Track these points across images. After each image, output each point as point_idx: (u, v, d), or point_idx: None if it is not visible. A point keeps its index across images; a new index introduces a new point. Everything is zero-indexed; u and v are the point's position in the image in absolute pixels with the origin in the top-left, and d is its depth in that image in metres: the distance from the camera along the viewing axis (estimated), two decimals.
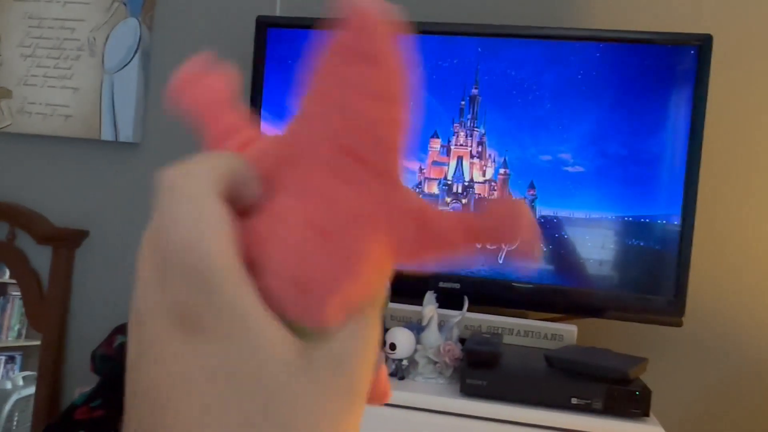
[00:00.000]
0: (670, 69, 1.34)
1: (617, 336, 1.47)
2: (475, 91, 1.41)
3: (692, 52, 1.33)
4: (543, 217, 1.38)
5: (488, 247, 0.25)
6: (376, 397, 0.29)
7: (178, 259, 0.23)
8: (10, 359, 1.90)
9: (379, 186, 0.24)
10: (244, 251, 0.24)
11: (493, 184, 1.41)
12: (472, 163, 1.42)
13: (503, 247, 0.25)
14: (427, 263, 0.26)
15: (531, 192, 1.38)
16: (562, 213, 1.37)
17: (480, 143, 1.42)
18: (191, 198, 0.24)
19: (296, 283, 0.23)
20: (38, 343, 1.78)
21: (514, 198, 0.26)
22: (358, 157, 0.24)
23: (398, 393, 1.14)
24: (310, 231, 0.23)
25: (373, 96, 0.24)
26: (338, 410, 0.25)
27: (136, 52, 1.74)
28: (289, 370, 0.24)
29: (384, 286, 0.27)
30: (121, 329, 1.57)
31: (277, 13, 1.66)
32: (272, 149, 0.26)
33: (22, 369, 1.90)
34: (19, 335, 1.90)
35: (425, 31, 1.43)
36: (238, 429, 0.23)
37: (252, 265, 0.24)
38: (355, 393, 0.25)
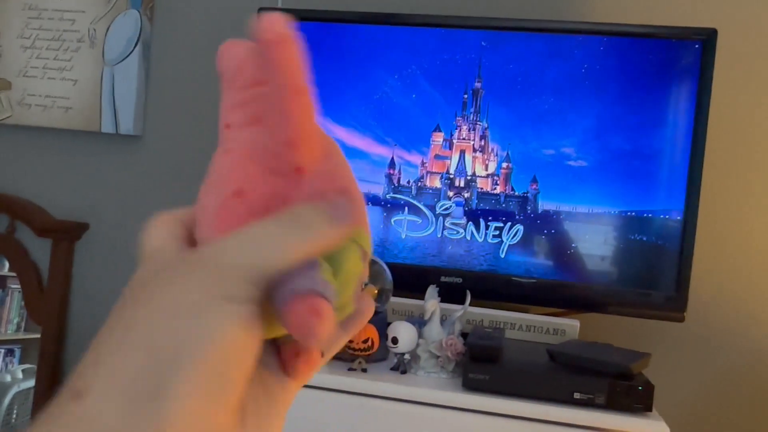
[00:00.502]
0: (674, 63, 1.34)
1: (619, 331, 1.47)
2: (478, 85, 1.41)
3: (696, 46, 1.32)
4: (545, 211, 1.37)
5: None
6: (293, 329, 0.27)
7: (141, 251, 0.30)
8: (9, 352, 1.90)
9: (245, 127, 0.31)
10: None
11: (495, 178, 1.40)
12: (474, 157, 1.41)
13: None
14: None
15: (534, 186, 1.38)
16: (565, 207, 1.36)
17: (483, 137, 1.41)
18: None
19: (198, 222, 0.31)
20: (37, 336, 1.77)
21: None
22: (229, 126, 0.31)
23: (400, 387, 1.13)
24: (203, 187, 0.31)
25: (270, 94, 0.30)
26: (200, 301, 0.26)
27: (136, 43, 1.73)
28: (166, 261, 0.29)
29: (305, 207, 0.30)
30: None
31: (279, 4, 1.65)
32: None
33: (20, 362, 1.90)
34: (18, 328, 1.89)
35: (428, 23, 1.43)
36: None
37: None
38: (220, 286, 0.27)
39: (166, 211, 0.31)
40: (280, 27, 0.27)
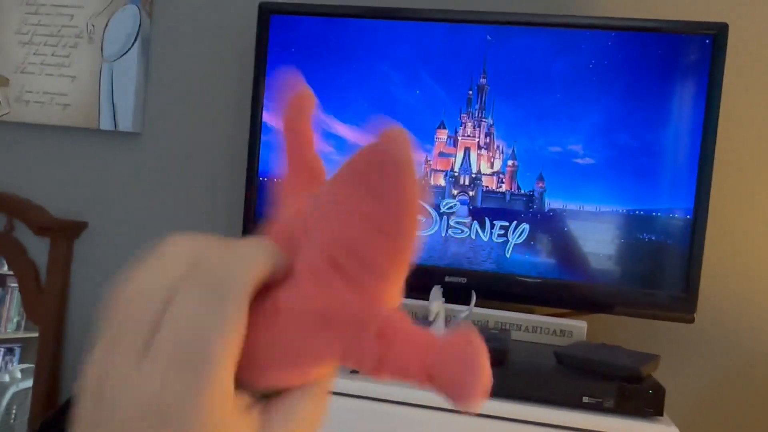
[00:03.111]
0: (684, 59, 1.31)
1: (627, 332, 1.44)
2: (483, 81, 1.38)
3: (707, 41, 1.30)
4: (552, 210, 1.35)
5: (445, 389, 0.26)
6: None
7: (182, 346, 0.24)
8: (9, 351, 1.89)
9: (353, 297, 0.26)
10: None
11: (501, 176, 1.38)
12: (479, 155, 1.39)
13: (452, 391, 0.26)
14: (380, 376, 0.27)
15: (540, 184, 1.36)
16: (572, 206, 1.34)
17: (488, 134, 1.38)
18: (221, 301, 0.24)
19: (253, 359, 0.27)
20: (37, 335, 1.76)
21: (475, 346, 0.26)
22: (340, 269, 0.26)
23: (404, 390, 1.11)
24: (273, 312, 0.27)
25: (371, 227, 0.26)
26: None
27: (135, 39, 1.70)
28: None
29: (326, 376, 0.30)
30: None
31: None
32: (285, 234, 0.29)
33: (20, 361, 1.88)
34: (18, 327, 1.88)
35: (432, 18, 1.40)
36: None
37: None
38: None
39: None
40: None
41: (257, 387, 0.27)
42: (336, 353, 0.27)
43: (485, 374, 0.25)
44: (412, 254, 0.27)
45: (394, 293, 0.27)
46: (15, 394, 1.86)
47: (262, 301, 0.27)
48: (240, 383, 0.26)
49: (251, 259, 0.26)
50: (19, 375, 1.87)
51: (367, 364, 0.27)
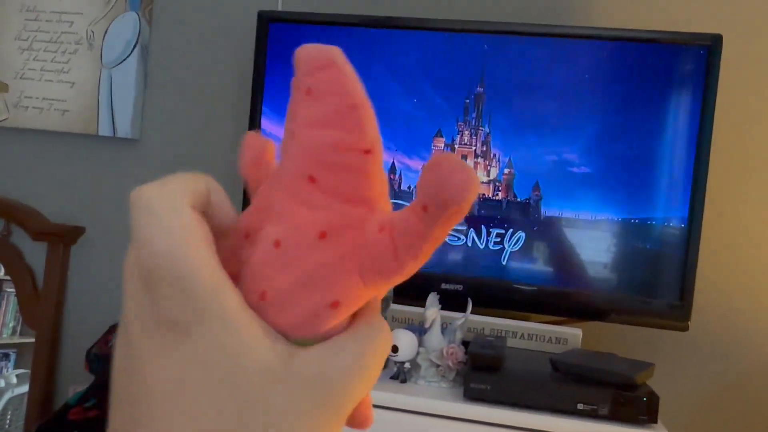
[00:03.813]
0: (679, 69, 1.32)
1: (622, 340, 1.45)
2: (480, 90, 1.39)
3: (702, 52, 1.31)
4: (548, 218, 1.36)
5: (444, 210, 0.25)
6: (356, 422, 0.29)
7: (160, 271, 0.25)
8: (5, 356, 1.88)
9: (337, 205, 0.26)
10: (229, 272, 0.26)
11: (497, 184, 1.38)
12: (476, 163, 1.40)
13: (451, 201, 0.25)
14: (419, 263, 0.27)
15: (536, 192, 1.36)
16: (568, 214, 1.35)
17: (484, 142, 1.39)
18: (163, 213, 0.25)
19: (262, 293, 0.26)
20: (33, 340, 1.76)
21: (444, 155, 0.25)
22: (314, 180, 0.26)
23: (400, 396, 1.11)
24: (272, 249, 0.26)
25: (315, 124, 0.26)
26: (315, 422, 0.25)
27: (135, 46, 1.71)
28: (267, 376, 0.25)
29: (375, 309, 0.28)
30: (117, 328, 1.55)
31: (279, 7, 1.64)
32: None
33: (15, 367, 1.88)
34: (13, 332, 1.88)
35: (429, 27, 1.41)
36: (211, 430, 0.24)
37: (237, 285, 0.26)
38: (335, 407, 0.26)
39: (170, 193, 0.26)
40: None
41: (286, 333, 0.26)
42: (347, 266, 0.26)
43: (465, 167, 0.25)
44: (373, 143, 0.27)
45: (373, 186, 0.27)
46: (10, 400, 1.85)
47: (251, 246, 0.27)
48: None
49: (178, 178, 0.27)
50: (14, 380, 1.87)
51: (386, 260, 0.26)
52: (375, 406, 1.04)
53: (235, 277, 0.26)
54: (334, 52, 0.27)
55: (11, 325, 1.88)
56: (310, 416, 0.25)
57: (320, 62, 0.27)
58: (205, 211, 0.27)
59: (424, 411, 1.11)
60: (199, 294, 0.24)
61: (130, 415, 0.25)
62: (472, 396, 1.11)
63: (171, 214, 0.25)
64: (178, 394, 0.24)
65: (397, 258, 0.26)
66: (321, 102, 0.27)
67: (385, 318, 1.25)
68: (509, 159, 1.38)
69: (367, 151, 0.27)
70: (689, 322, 1.30)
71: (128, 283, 0.26)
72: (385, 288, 0.27)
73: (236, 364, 0.24)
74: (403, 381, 1.17)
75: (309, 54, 0.27)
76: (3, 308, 1.87)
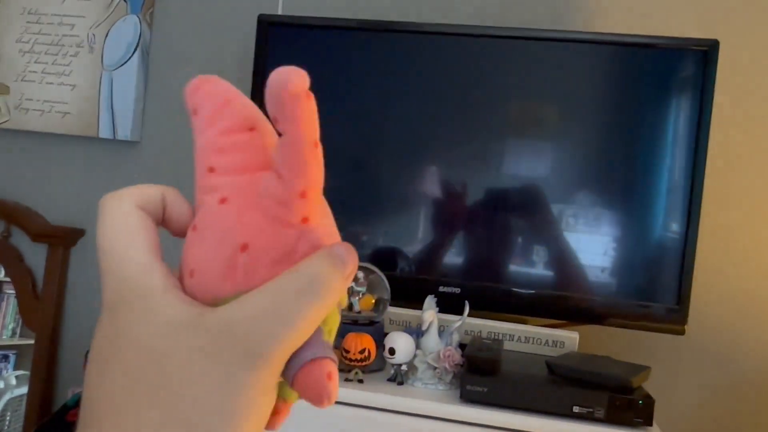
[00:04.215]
0: (675, 74, 1.33)
1: (619, 343, 1.45)
2: (478, 93, 1.40)
3: (698, 57, 1.31)
4: (545, 221, 1.36)
5: (283, 107, 0.28)
6: (306, 393, 0.28)
7: (103, 263, 0.29)
8: (4, 358, 1.88)
9: (236, 177, 0.30)
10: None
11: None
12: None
13: (280, 95, 0.28)
14: (309, 172, 0.29)
15: (533, 195, 1.37)
16: (565, 218, 1.35)
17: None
18: (107, 213, 0.30)
19: (191, 272, 0.29)
20: (32, 342, 1.76)
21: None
22: (213, 170, 0.31)
23: (397, 399, 1.12)
24: (192, 235, 0.30)
25: (204, 128, 0.31)
26: (223, 367, 0.26)
27: (135, 49, 1.72)
28: (173, 329, 0.27)
29: (314, 262, 0.29)
30: None
31: (279, 11, 1.64)
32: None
33: (15, 368, 1.88)
34: (13, 334, 1.88)
35: (429, 32, 1.42)
36: (121, 387, 0.26)
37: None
38: (249, 355, 0.26)
39: (120, 195, 0.31)
40: (300, 81, 0.28)
41: (219, 296, 0.29)
42: (245, 211, 0.29)
43: (281, 68, 0.28)
44: (252, 123, 0.31)
45: (264, 155, 0.30)
46: (9, 401, 1.85)
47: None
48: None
49: (132, 188, 0.31)
50: (14, 381, 1.87)
51: (275, 186, 0.29)
52: (372, 407, 1.04)
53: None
54: (203, 77, 0.32)
55: (11, 326, 1.88)
56: (219, 364, 0.26)
57: (193, 86, 0.32)
58: (164, 211, 0.31)
59: (421, 413, 1.11)
60: (127, 278, 0.28)
61: (86, 377, 0.28)
62: (469, 398, 1.11)
63: (113, 212, 0.29)
64: (99, 361, 0.28)
65: (282, 177, 0.28)
66: (201, 111, 0.31)
67: (381, 321, 1.25)
68: (507, 161, 1.39)
69: (251, 129, 0.31)
70: (686, 326, 1.30)
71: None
72: (294, 217, 0.29)
73: (144, 325, 0.27)
74: (400, 383, 1.18)
75: (188, 88, 0.32)
76: (3, 310, 1.87)
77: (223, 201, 0.29)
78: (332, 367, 0.28)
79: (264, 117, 0.31)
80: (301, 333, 0.27)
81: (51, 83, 1.76)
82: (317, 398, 0.28)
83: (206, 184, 0.30)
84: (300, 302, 0.27)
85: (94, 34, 1.74)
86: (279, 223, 0.29)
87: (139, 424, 0.26)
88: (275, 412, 0.30)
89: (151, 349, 0.26)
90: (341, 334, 1.18)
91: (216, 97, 0.31)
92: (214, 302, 0.28)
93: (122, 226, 0.29)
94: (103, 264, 0.29)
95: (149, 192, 0.31)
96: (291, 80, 0.27)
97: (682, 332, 1.30)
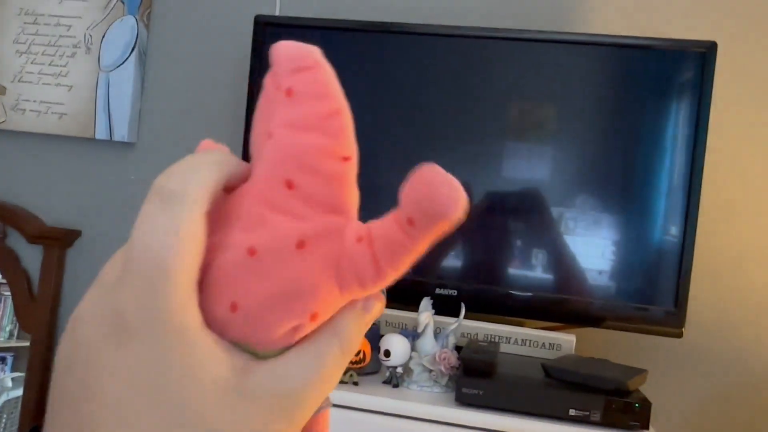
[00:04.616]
0: (673, 76, 1.33)
1: (616, 346, 1.45)
2: (478, 94, 1.40)
3: (696, 59, 1.31)
4: (543, 224, 1.36)
5: (431, 224, 0.24)
6: None
7: (138, 262, 0.24)
8: (1, 360, 1.88)
9: (316, 214, 0.25)
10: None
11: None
12: None
13: (440, 215, 0.24)
14: (399, 273, 0.26)
15: (531, 198, 1.37)
16: (563, 220, 1.35)
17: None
18: (177, 210, 0.24)
19: (233, 305, 0.25)
20: (29, 344, 1.76)
21: (430, 167, 0.25)
22: (292, 186, 0.25)
23: (392, 401, 1.11)
24: (245, 257, 0.25)
25: (297, 127, 0.25)
26: None
27: (132, 50, 1.72)
28: (218, 390, 0.24)
29: (351, 323, 0.27)
30: None
31: (277, 12, 1.64)
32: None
33: (12, 371, 1.88)
34: (10, 336, 1.88)
35: (427, 33, 1.42)
36: None
37: (198, 289, 0.25)
38: (290, 424, 0.25)
39: (199, 194, 0.25)
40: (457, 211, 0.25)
41: (259, 347, 0.25)
42: (327, 277, 0.25)
43: (453, 182, 0.25)
44: (353, 150, 0.26)
45: (351, 196, 0.27)
46: (5, 403, 1.85)
47: (229, 251, 0.25)
48: (240, 345, 0.25)
49: (204, 169, 0.26)
50: (9, 384, 1.87)
51: (366, 271, 0.25)
52: (367, 410, 1.04)
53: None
54: (317, 53, 0.26)
55: (8, 328, 1.88)
56: (264, 426, 0.25)
57: (303, 63, 0.26)
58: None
59: (416, 416, 1.11)
60: (166, 302, 0.23)
61: (74, 422, 0.24)
62: (464, 401, 1.11)
63: (178, 214, 0.24)
64: (122, 405, 0.23)
65: (378, 268, 0.25)
66: (303, 105, 0.26)
67: (377, 323, 1.25)
68: (505, 164, 1.39)
69: (346, 159, 0.26)
70: (683, 329, 1.30)
71: (104, 273, 0.26)
72: (360, 296, 0.26)
73: (187, 379, 0.24)
74: (396, 385, 1.17)
75: (290, 52, 0.26)
76: (1, 311, 1.87)
77: (301, 245, 0.25)
78: (328, 418, 0.29)
79: (356, 146, 0.27)
80: (323, 397, 0.27)
81: (48, 84, 1.76)
82: None
83: (278, 197, 0.25)
84: (338, 369, 0.26)
85: (91, 35, 1.74)
86: (347, 298, 0.26)
87: None
88: (316, 425, 0.29)
89: (194, 411, 0.24)
90: None
91: (327, 99, 0.26)
92: (251, 348, 0.25)
93: (184, 238, 0.24)
94: (140, 261, 0.24)
95: (218, 183, 0.26)
96: (456, 212, 0.24)
97: (679, 335, 1.30)
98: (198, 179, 0.25)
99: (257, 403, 0.24)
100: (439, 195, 0.24)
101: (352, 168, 0.26)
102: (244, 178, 0.27)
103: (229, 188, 0.27)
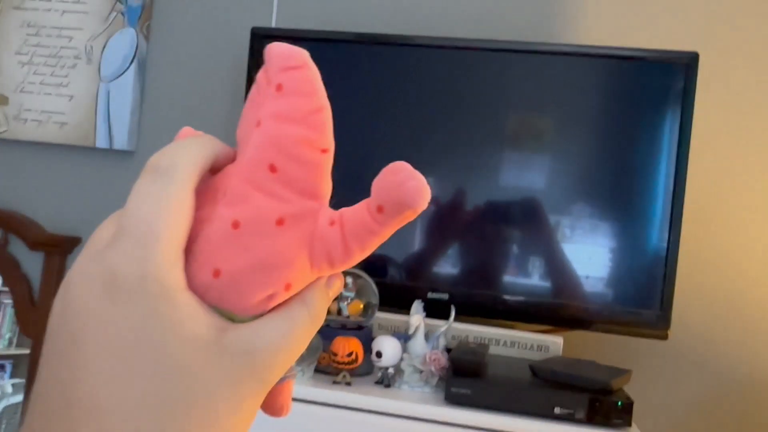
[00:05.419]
0: (657, 87, 1.36)
1: (602, 348, 1.48)
2: (463, 105, 1.43)
3: (679, 70, 1.34)
4: (532, 230, 1.39)
5: (398, 212, 0.28)
6: (271, 408, 0.31)
7: (131, 227, 0.26)
8: (0, 368, 1.89)
9: (294, 196, 0.28)
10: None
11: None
12: None
13: (406, 205, 0.27)
14: (365, 255, 0.29)
15: (522, 205, 1.39)
16: (551, 226, 1.38)
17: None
18: (167, 183, 0.27)
19: (216, 271, 0.27)
20: (29, 351, 1.77)
21: (398, 163, 0.28)
22: (275, 170, 0.28)
23: (383, 401, 1.14)
24: (229, 229, 0.28)
25: (283, 118, 0.28)
26: (239, 394, 0.27)
27: (132, 61, 1.76)
28: (197, 347, 0.26)
29: (317, 295, 0.30)
30: None
31: (273, 24, 1.68)
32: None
33: (11, 378, 1.89)
34: (9, 343, 1.89)
35: (420, 44, 1.45)
36: (138, 392, 0.25)
37: (185, 258, 0.28)
38: (260, 383, 0.27)
39: (189, 170, 0.28)
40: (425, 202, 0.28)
41: (237, 311, 0.28)
42: (301, 252, 0.28)
43: (419, 176, 0.28)
44: (331, 144, 0.29)
45: (326, 184, 0.29)
46: (5, 409, 1.86)
47: (215, 224, 0.28)
48: (220, 311, 0.28)
49: (192, 148, 0.29)
50: (9, 389, 1.88)
51: (335, 251, 0.28)
52: (360, 409, 1.07)
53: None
54: (305, 55, 0.30)
55: (8, 336, 1.89)
56: (234, 386, 0.27)
57: (293, 62, 0.29)
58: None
59: (407, 415, 1.14)
60: (155, 263, 0.26)
61: (63, 370, 0.26)
62: (453, 400, 1.14)
63: (170, 186, 0.27)
64: (110, 354, 0.25)
65: (347, 249, 0.28)
66: (290, 99, 0.28)
67: (370, 326, 1.28)
68: (495, 172, 1.42)
69: (324, 151, 0.29)
70: (669, 331, 1.33)
71: (95, 237, 0.28)
72: (328, 273, 0.30)
73: (170, 334, 0.26)
74: (387, 386, 1.20)
75: (282, 52, 0.29)
76: (0, 319, 1.89)
77: (280, 223, 0.28)
78: (291, 388, 0.32)
79: (333, 142, 0.30)
80: (294, 357, 0.29)
81: (49, 94, 1.79)
82: (276, 415, 0.31)
83: (261, 178, 0.28)
84: (306, 335, 0.29)
85: (92, 46, 1.77)
86: (316, 274, 0.29)
87: None
88: (281, 394, 0.31)
89: (175, 363, 0.26)
90: (329, 337, 1.21)
91: (312, 97, 0.29)
92: (229, 313, 0.28)
93: (175, 208, 0.27)
94: (132, 224, 0.26)
95: (205, 164, 0.29)
96: (421, 203, 0.28)
97: (665, 337, 1.33)
98: (187, 157, 0.28)
99: (231, 359, 0.27)
100: (407, 187, 0.27)
101: (329, 160, 0.29)
102: (228, 160, 0.30)
103: (215, 169, 0.30)
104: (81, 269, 0.27)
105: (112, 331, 0.25)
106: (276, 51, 0.29)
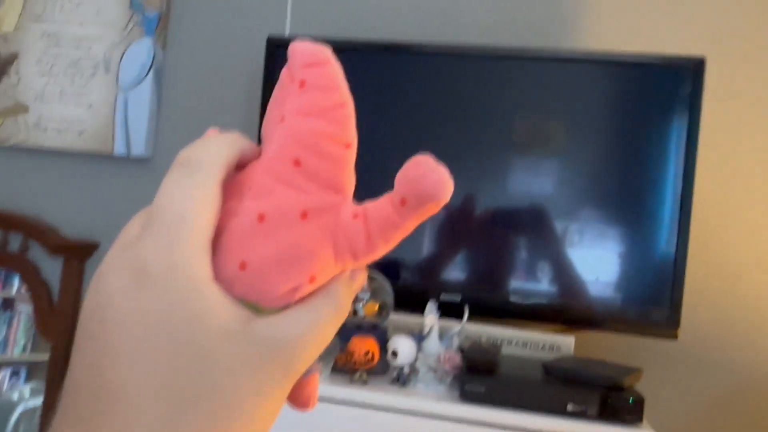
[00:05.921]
0: (663, 91, 1.37)
1: (613, 348, 1.50)
2: (470, 111, 1.45)
3: (686, 75, 1.36)
4: (543, 232, 1.41)
5: (421, 205, 0.28)
6: (298, 401, 0.31)
7: (161, 217, 0.27)
8: (15, 374, 1.91)
9: (318, 190, 0.29)
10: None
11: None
12: None
13: (429, 197, 0.28)
14: (389, 248, 0.30)
15: (531, 209, 1.41)
16: (561, 229, 1.40)
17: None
18: (197, 176, 0.28)
19: (242, 263, 0.28)
20: (44, 358, 1.79)
21: (421, 156, 0.29)
22: (299, 164, 0.29)
23: (399, 399, 1.17)
24: (255, 222, 0.28)
25: (306, 113, 0.29)
26: (264, 385, 0.27)
27: (149, 70, 1.79)
28: (223, 335, 0.26)
29: (341, 288, 0.30)
30: None
31: (287, 33, 1.71)
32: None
33: (26, 384, 1.91)
34: (24, 350, 1.91)
35: (429, 52, 1.47)
36: (162, 377, 0.26)
37: (212, 250, 0.28)
38: (285, 374, 0.28)
39: (216, 166, 0.28)
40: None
41: (262, 303, 0.28)
42: (325, 245, 0.28)
43: (442, 169, 0.28)
44: (353, 139, 0.30)
45: (349, 178, 0.30)
46: (23, 413, 1.87)
47: (240, 216, 0.28)
48: (246, 302, 0.28)
49: (220, 143, 0.29)
50: (27, 394, 1.90)
51: (359, 244, 0.29)
52: (376, 407, 1.09)
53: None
54: (328, 52, 0.30)
55: (22, 342, 1.92)
56: (259, 376, 0.27)
57: (316, 59, 0.30)
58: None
59: (423, 412, 1.16)
60: (183, 252, 0.26)
61: (93, 354, 0.26)
62: (468, 398, 1.16)
63: (200, 180, 0.28)
64: (137, 340, 0.26)
65: (370, 242, 0.29)
66: (314, 95, 0.29)
67: (385, 326, 1.31)
68: (504, 176, 1.44)
69: (347, 145, 0.30)
70: (678, 330, 1.34)
71: (128, 227, 0.28)
72: (352, 266, 0.30)
73: (196, 322, 0.26)
74: (403, 384, 1.23)
75: (305, 50, 0.30)
76: (14, 326, 1.91)
77: (304, 216, 0.28)
78: (317, 382, 0.32)
79: (356, 137, 0.30)
80: (318, 352, 0.29)
81: (68, 103, 1.83)
82: (303, 407, 0.31)
83: (285, 172, 0.28)
84: (331, 327, 0.29)
85: (110, 56, 1.81)
86: (340, 267, 0.29)
87: (170, 423, 0.25)
88: (307, 387, 0.31)
89: (201, 351, 0.26)
90: (346, 338, 1.23)
91: (334, 92, 0.30)
92: (255, 305, 0.28)
93: (200, 198, 0.27)
94: (157, 217, 0.27)
95: (233, 159, 0.29)
96: (443, 195, 0.28)
97: (674, 337, 1.34)
98: (215, 152, 0.29)
99: (257, 349, 0.27)
100: (430, 179, 0.28)
101: (352, 154, 0.30)
102: (254, 157, 0.30)
103: (241, 165, 0.30)
104: (112, 259, 0.27)
105: (139, 317, 0.26)
106: (299, 48, 0.30)
